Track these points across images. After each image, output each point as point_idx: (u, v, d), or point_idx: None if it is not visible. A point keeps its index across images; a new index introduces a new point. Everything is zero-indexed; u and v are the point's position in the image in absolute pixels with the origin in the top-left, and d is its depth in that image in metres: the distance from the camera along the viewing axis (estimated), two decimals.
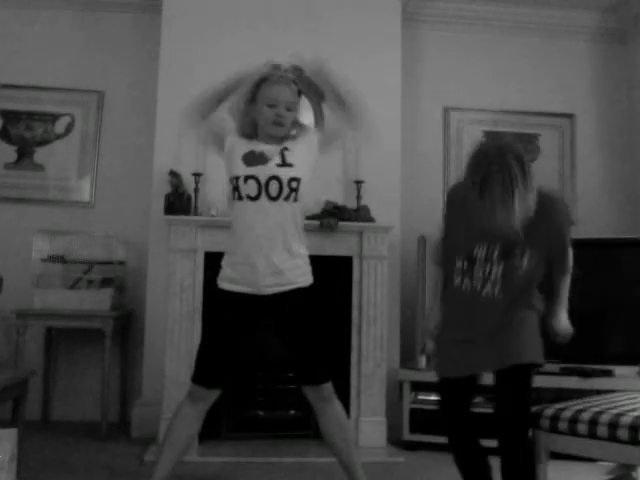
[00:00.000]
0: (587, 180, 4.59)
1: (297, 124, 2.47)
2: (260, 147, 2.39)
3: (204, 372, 2.39)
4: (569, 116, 4.62)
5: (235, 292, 2.36)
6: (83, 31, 4.43)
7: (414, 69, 4.47)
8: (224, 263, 2.42)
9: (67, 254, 4.00)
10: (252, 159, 2.34)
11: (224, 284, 2.39)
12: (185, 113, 2.49)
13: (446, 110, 4.50)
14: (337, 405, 2.45)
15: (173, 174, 3.82)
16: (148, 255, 3.94)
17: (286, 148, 2.38)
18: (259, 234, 2.30)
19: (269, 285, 2.33)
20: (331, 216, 3.73)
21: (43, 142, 4.36)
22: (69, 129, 4.39)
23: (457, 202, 2.22)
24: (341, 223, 3.75)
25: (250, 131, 2.44)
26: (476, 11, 4.54)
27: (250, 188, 2.30)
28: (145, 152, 4.14)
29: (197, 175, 3.81)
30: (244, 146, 2.40)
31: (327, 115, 2.56)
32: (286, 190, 2.31)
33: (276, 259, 2.31)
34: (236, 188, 2.33)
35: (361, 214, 3.84)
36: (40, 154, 4.35)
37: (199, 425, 2.46)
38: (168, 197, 3.80)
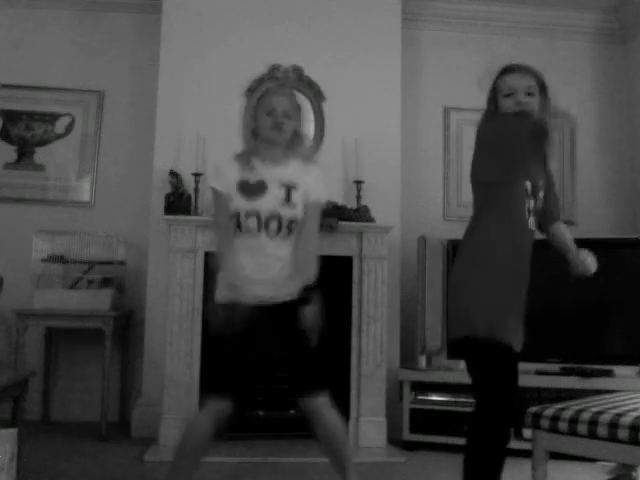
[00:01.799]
0: (587, 180, 4.58)
1: (298, 135, 2.46)
2: (256, 174, 2.35)
3: (226, 385, 2.35)
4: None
5: (234, 303, 2.33)
6: (83, 31, 4.43)
7: (414, 69, 4.47)
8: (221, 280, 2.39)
9: (67, 254, 4.00)
10: (249, 191, 2.32)
11: (222, 297, 2.37)
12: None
13: (446, 110, 4.50)
14: (332, 414, 2.39)
15: (173, 174, 3.82)
16: (148, 255, 3.94)
17: (293, 187, 2.34)
18: (257, 264, 2.31)
19: (271, 295, 2.32)
20: (331, 216, 3.73)
21: (43, 142, 4.36)
22: (69, 129, 4.39)
23: None
24: (341, 223, 3.75)
25: (251, 151, 2.43)
26: (476, 11, 4.54)
27: (251, 224, 2.30)
28: (145, 152, 4.14)
29: (197, 175, 3.82)
30: (238, 172, 2.36)
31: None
32: (285, 231, 2.32)
33: (271, 290, 2.32)
34: (237, 222, 2.31)
35: (361, 214, 3.84)
36: (40, 154, 4.35)
37: (210, 434, 2.41)
38: (168, 197, 3.80)
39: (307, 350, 2.34)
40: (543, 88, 2.13)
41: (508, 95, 2.12)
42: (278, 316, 2.34)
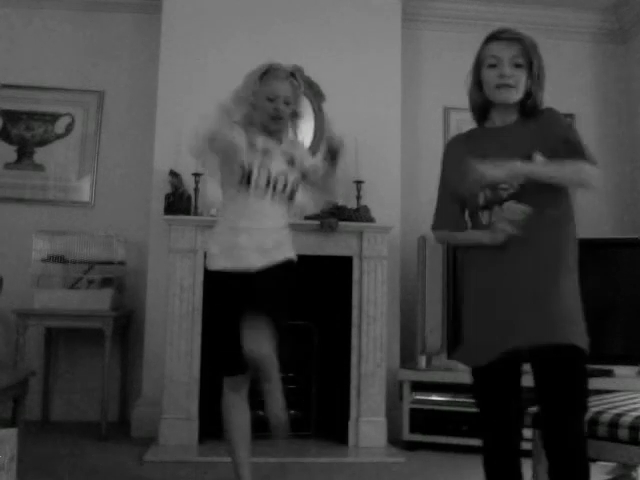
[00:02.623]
0: None
1: (294, 115, 2.54)
2: (260, 142, 2.45)
3: (232, 362, 2.43)
4: (569, 116, 4.61)
5: (228, 271, 2.41)
6: (83, 31, 4.43)
7: (414, 69, 4.47)
8: (212, 241, 2.52)
9: (67, 254, 4.00)
10: (258, 150, 2.44)
11: (216, 264, 2.45)
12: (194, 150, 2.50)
13: (446, 110, 4.50)
14: (263, 336, 2.27)
15: (173, 174, 3.82)
16: (148, 255, 3.94)
17: (292, 156, 2.49)
18: (252, 225, 2.40)
19: (258, 260, 2.40)
20: (331, 216, 3.74)
21: (43, 142, 4.36)
22: (69, 129, 4.39)
23: None
24: (341, 223, 3.75)
25: (248, 122, 2.50)
26: (476, 11, 4.54)
27: (262, 179, 2.40)
28: (145, 152, 4.14)
29: (197, 175, 3.81)
30: (245, 136, 2.45)
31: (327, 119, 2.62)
32: (289, 189, 2.45)
33: (266, 241, 2.41)
34: (249, 173, 2.39)
35: (361, 214, 3.84)
36: (40, 154, 4.35)
37: (248, 407, 2.52)
38: (168, 197, 3.80)
39: (280, 293, 2.39)
40: (533, 57, 1.95)
41: (492, 66, 1.95)
42: (265, 273, 2.39)
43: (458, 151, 2.08)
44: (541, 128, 1.92)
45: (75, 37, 4.42)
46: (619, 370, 3.54)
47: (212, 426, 3.63)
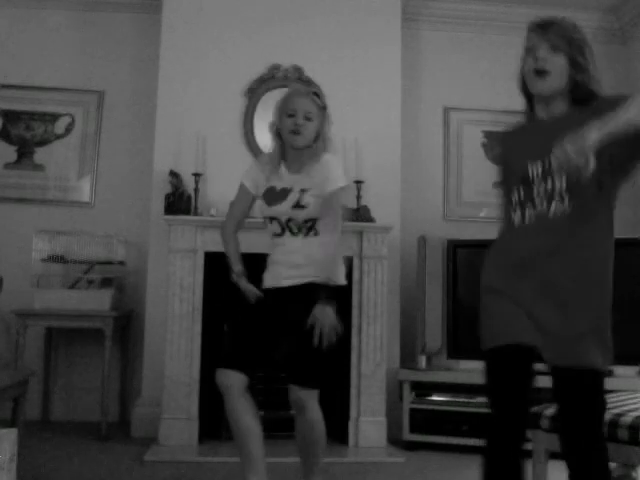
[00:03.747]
0: None
1: (321, 137, 2.47)
2: (283, 180, 2.45)
3: (230, 355, 2.42)
4: None
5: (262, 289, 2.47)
6: (83, 31, 4.43)
7: (414, 69, 4.47)
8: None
9: (67, 254, 4.00)
10: (271, 198, 2.45)
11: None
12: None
13: (446, 110, 4.50)
14: (317, 415, 2.42)
15: (173, 174, 3.82)
16: (148, 255, 3.94)
17: (304, 189, 2.41)
18: (285, 258, 2.42)
19: (287, 277, 2.41)
20: None
21: (43, 142, 4.36)
22: (69, 129, 4.39)
23: None
24: None
25: (278, 150, 2.49)
26: (476, 11, 4.54)
27: (275, 227, 2.45)
28: (145, 152, 4.14)
29: (197, 175, 3.81)
30: (266, 179, 2.48)
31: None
32: (304, 230, 2.42)
33: (302, 268, 2.41)
34: (264, 223, 2.49)
35: (361, 214, 3.84)
36: (40, 154, 4.35)
37: (251, 405, 2.40)
38: (168, 197, 3.80)
39: (311, 343, 2.33)
40: (573, 46, 1.78)
41: (529, 51, 1.83)
42: (292, 300, 2.38)
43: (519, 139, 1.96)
44: (591, 117, 1.64)
45: (75, 37, 4.42)
46: (619, 370, 3.54)
47: (212, 426, 3.64)
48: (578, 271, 1.86)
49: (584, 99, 1.82)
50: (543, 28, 1.81)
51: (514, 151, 1.92)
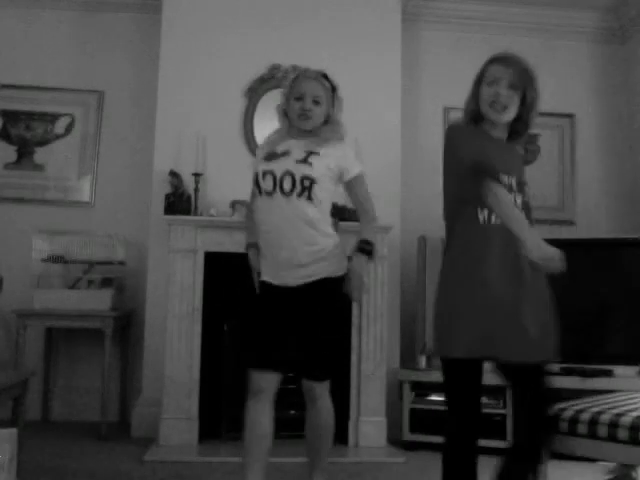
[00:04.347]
0: (587, 180, 4.58)
1: (331, 122, 2.44)
2: (286, 145, 2.40)
3: (258, 354, 2.37)
4: (569, 116, 4.62)
5: (266, 283, 2.42)
6: (83, 31, 4.43)
7: (414, 69, 4.47)
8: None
9: (67, 254, 4.00)
10: (272, 156, 2.38)
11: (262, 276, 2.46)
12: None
13: (446, 110, 4.50)
14: (327, 403, 2.45)
15: (173, 174, 3.82)
16: (148, 255, 3.94)
17: (315, 152, 2.36)
18: (276, 227, 2.33)
19: (294, 277, 2.35)
20: (332, 216, 3.73)
21: (43, 142, 4.36)
22: (69, 129, 4.39)
23: None
24: (341, 223, 3.74)
25: (286, 128, 2.47)
26: (476, 11, 4.54)
27: (267, 183, 2.33)
28: (145, 152, 4.14)
29: (197, 175, 3.82)
30: (269, 147, 2.44)
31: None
32: (298, 187, 2.30)
33: (297, 252, 2.33)
34: (257, 183, 2.38)
35: None
36: (40, 154, 4.35)
37: (271, 417, 2.39)
38: (168, 197, 3.80)
39: (324, 334, 2.35)
40: (527, 83, 2.05)
41: (490, 84, 2.06)
42: (304, 296, 2.35)
43: (481, 136, 2.09)
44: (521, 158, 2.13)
45: (75, 37, 4.42)
46: (619, 370, 3.54)
47: (212, 426, 3.64)
48: None
49: (517, 133, 2.12)
50: (506, 64, 2.06)
51: (491, 156, 2.02)
